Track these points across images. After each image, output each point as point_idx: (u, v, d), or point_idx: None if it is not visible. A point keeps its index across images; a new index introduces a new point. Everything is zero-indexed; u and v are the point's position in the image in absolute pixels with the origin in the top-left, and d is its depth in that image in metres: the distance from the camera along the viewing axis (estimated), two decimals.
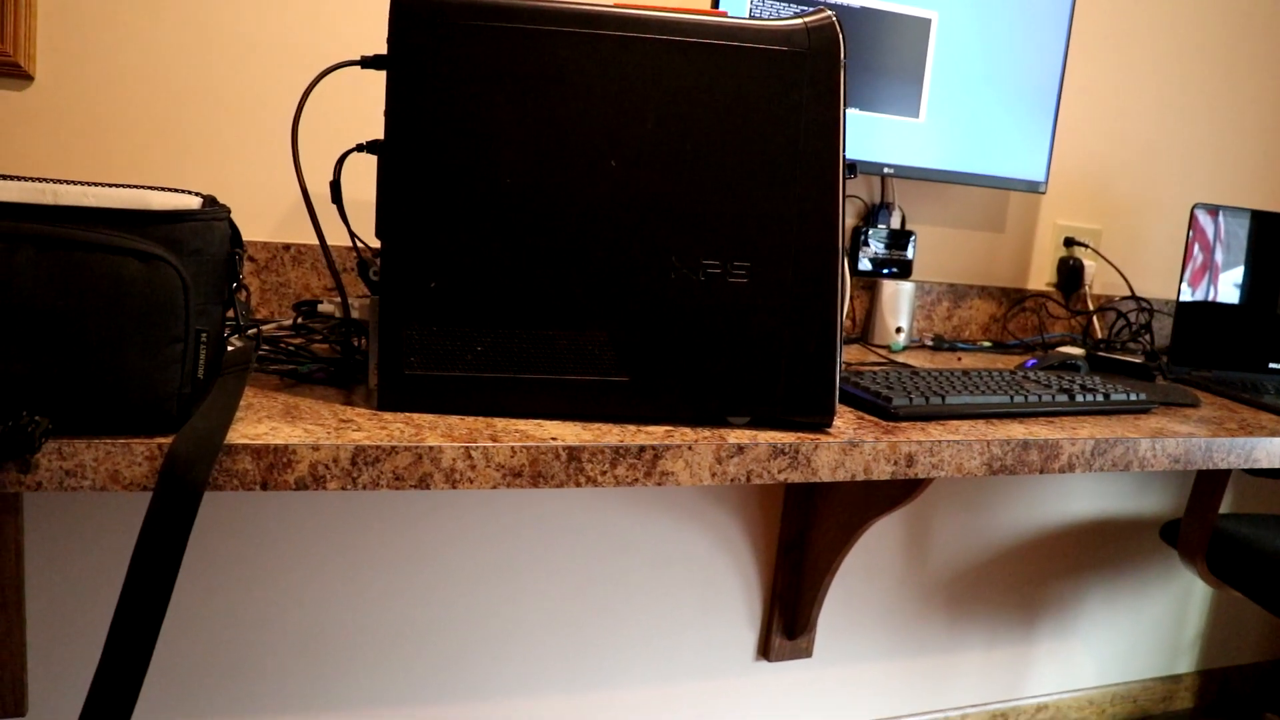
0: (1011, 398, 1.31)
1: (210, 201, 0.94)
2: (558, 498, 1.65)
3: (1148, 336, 2.02)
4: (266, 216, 1.47)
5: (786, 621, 1.85)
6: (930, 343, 1.89)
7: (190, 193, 0.93)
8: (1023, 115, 1.78)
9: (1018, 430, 1.24)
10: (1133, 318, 2.08)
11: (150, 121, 1.40)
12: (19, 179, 0.87)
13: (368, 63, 1.05)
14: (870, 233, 1.82)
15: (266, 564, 1.51)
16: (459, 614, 1.64)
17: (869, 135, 1.67)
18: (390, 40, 0.98)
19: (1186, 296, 1.85)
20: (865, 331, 1.85)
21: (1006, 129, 1.77)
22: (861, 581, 1.94)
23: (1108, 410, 1.39)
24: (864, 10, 1.63)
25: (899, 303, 1.79)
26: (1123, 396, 1.40)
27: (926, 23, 1.68)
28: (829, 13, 1.05)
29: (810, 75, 1.03)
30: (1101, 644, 2.25)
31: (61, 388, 0.84)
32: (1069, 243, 2.04)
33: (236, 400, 0.93)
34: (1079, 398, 1.36)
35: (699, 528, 1.76)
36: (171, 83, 1.40)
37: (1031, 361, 1.65)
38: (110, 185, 0.89)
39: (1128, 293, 2.14)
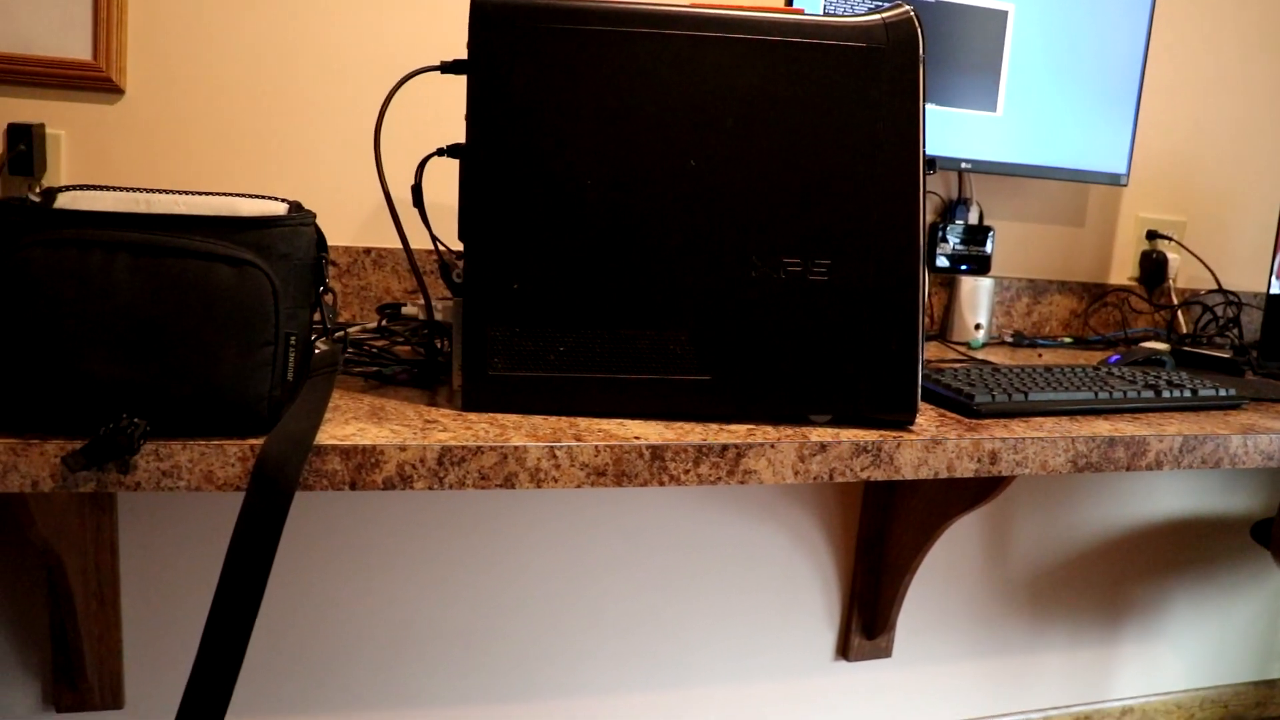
0: (1096, 394, 1.29)
1: (296, 207, 0.96)
2: (634, 498, 1.66)
3: (1236, 331, 1.97)
4: (348, 222, 1.50)
5: (866, 621, 1.84)
6: (1010, 339, 1.87)
7: (277, 199, 0.95)
8: (1103, 106, 1.75)
9: (1103, 427, 1.22)
10: (1220, 311, 2.03)
11: (235, 131, 1.44)
12: (114, 189, 0.90)
13: (447, 68, 1.06)
14: (948, 228, 1.80)
15: (348, 564, 1.54)
16: (538, 613, 1.66)
17: (945, 130, 1.66)
18: (470, 45, 0.99)
19: (1278, 289, 1.80)
20: (943, 329, 1.83)
21: (1086, 120, 1.74)
22: (941, 581, 1.92)
23: (1196, 406, 1.36)
24: (940, 4, 1.61)
25: (978, 299, 1.77)
26: (1211, 392, 1.37)
27: (1003, 15, 1.66)
28: (907, 8, 1.04)
29: (889, 71, 1.03)
30: (1189, 646, 2.20)
31: (157, 391, 0.86)
32: (1152, 235, 2.00)
33: (325, 402, 0.95)
34: (1165, 393, 1.33)
35: (776, 526, 1.76)
36: (255, 93, 1.43)
37: (1115, 357, 1.62)
38: (200, 194, 0.92)
39: (1214, 286, 2.09)
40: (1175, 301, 2.02)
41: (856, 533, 1.81)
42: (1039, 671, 2.06)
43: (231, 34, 1.42)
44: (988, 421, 1.19)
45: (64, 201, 0.88)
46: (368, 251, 1.50)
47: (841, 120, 1.03)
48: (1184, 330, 2.02)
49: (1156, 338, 1.97)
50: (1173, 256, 1.98)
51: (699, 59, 1.01)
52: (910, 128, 1.04)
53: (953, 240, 1.81)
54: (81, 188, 0.90)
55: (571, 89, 1.00)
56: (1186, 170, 2.02)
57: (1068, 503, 1.99)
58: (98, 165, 1.39)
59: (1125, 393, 1.31)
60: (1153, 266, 1.98)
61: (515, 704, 1.68)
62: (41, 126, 1.34)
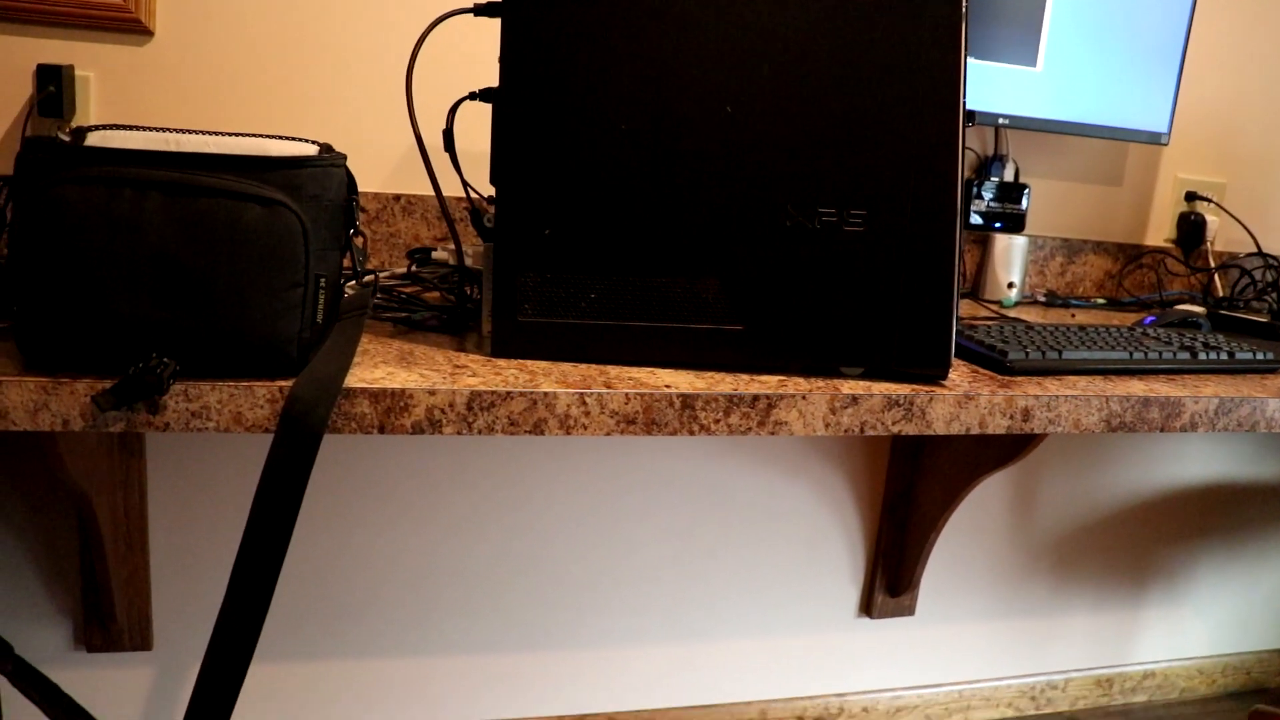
0: (1131, 354, 1.27)
1: (326, 148, 0.95)
2: (659, 448, 1.66)
3: (1274, 295, 1.94)
4: (377, 168, 1.49)
5: (890, 579, 1.84)
6: (1043, 299, 1.84)
7: (307, 141, 0.94)
8: (1146, 64, 1.71)
9: (1137, 387, 1.20)
10: (1258, 275, 2.00)
11: (264, 75, 1.43)
12: (144, 129, 0.89)
13: (480, 10, 1.05)
14: (982, 185, 1.77)
15: (370, 509, 1.55)
16: (560, 561, 1.66)
17: (984, 84, 1.63)
18: None
19: None
20: (975, 286, 1.81)
21: (1128, 78, 1.70)
22: (966, 540, 1.91)
23: (1232, 369, 1.34)
24: None
25: (1011, 257, 1.75)
26: (1249, 355, 1.34)
27: None
28: None
29: (931, 21, 1.00)
30: (1214, 612, 2.19)
31: (186, 330, 0.86)
32: (1190, 197, 1.97)
33: (355, 345, 0.95)
34: (1202, 355, 1.31)
35: (803, 481, 1.76)
36: (285, 36, 1.42)
37: (1150, 319, 1.60)
38: (229, 134, 0.91)
39: (1254, 249, 2.05)
40: (1212, 264, 1.99)
41: (883, 490, 1.80)
42: (1062, 633, 2.06)
43: None
44: (1020, 379, 1.18)
45: (94, 140, 0.87)
46: (397, 198, 1.49)
47: (881, 70, 1.01)
48: (1221, 293, 1.98)
49: (1192, 300, 1.94)
50: (1211, 218, 1.94)
51: (738, 4, 0.99)
52: (951, 79, 1.02)
53: (987, 197, 1.78)
54: (111, 127, 0.89)
55: (607, 32, 0.98)
56: (1228, 131, 1.98)
57: (1096, 464, 1.97)
58: (126, 107, 1.38)
59: (1161, 353, 1.29)
60: (1190, 228, 1.95)
61: (536, 651, 1.69)
62: (71, 68, 1.33)
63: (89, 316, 0.84)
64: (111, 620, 1.42)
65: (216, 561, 1.50)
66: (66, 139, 0.87)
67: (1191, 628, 2.18)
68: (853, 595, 1.86)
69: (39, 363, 0.87)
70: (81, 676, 1.49)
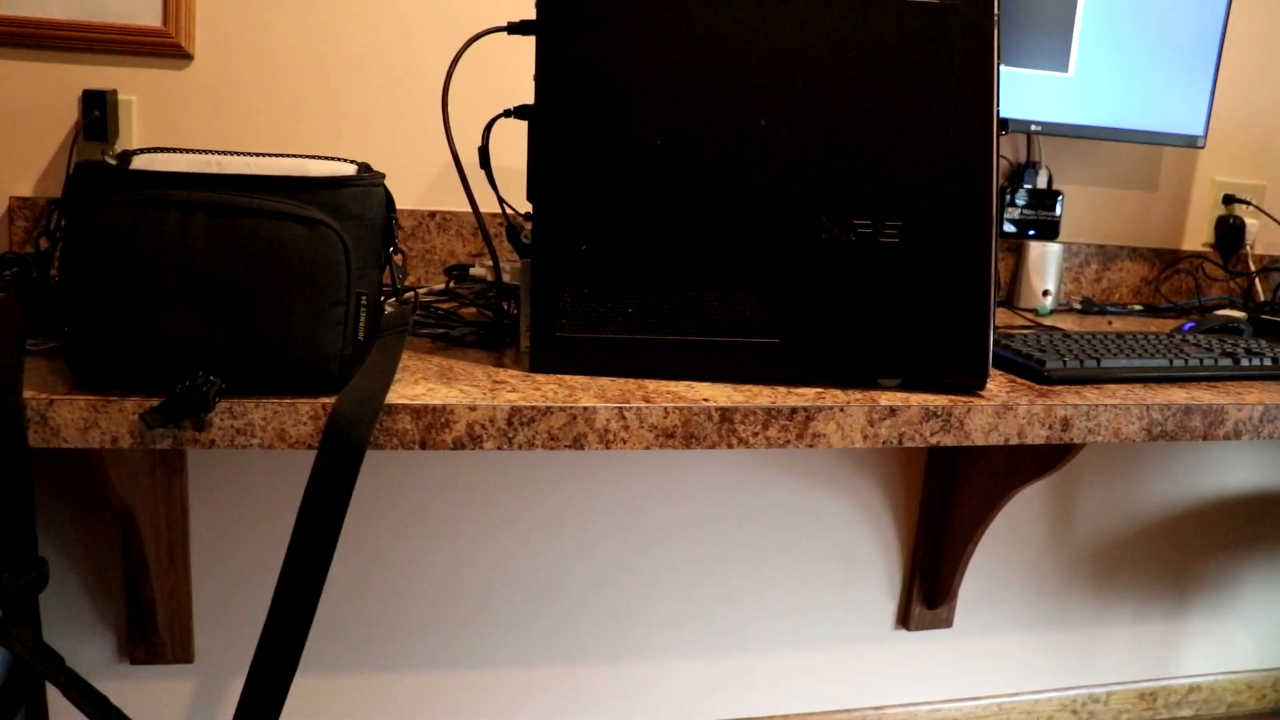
0: (1170, 361, 1.26)
1: (365, 168, 0.96)
2: (692, 462, 1.66)
3: None
4: (412, 185, 1.51)
5: (927, 590, 1.83)
6: (1078, 306, 1.83)
7: (345, 160, 0.95)
8: (1180, 66, 1.70)
9: (1178, 395, 1.19)
10: None
11: (300, 95, 1.45)
12: (187, 151, 0.91)
13: (514, 28, 1.06)
14: (1015, 192, 1.77)
15: (406, 524, 1.56)
16: (595, 576, 1.67)
17: (1015, 91, 1.62)
18: (539, 4, 0.98)
19: None
20: (1010, 295, 1.80)
21: (1162, 81, 1.69)
22: (1004, 551, 1.90)
23: (1276, 375, 1.33)
24: None
25: (1046, 265, 1.74)
26: None
27: None
28: None
29: (963, 29, 1.01)
30: (1262, 625, 2.16)
31: (231, 349, 0.87)
32: (1229, 200, 1.95)
33: (396, 361, 0.96)
34: (1244, 361, 1.30)
35: (838, 493, 1.75)
36: (321, 58, 1.44)
37: (1189, 325, 1.59)
38: (269, 155, 0.92)
39: None
40: (1252, 268, 1.97)
41: (919, 501, 1.79)
42: (1103, 646, 2.03)
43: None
44: (1059, 388, 1.17)
45: (140, 164, 0.89)
46: (432, 215, 1.50)
47: (914, 79, 1.01)
48: (1261, 298, 1.96)
49: (1232, 305, 1.92)
50: (1250, 222, 1.92)
51: (770, 16, 0.99)
52: (984, 87, 1.02)
53: (1020, 204, 1.77)
54: (156, 150, 0.91)
55: (641, 47, 0.99)
56: (1267, 132, 1.96)
57: (1135, 474, 1.95)
58: (168, 129, 1.41)
59: (1202, 360, 1.28)
60: (1229, 232, 1.93)
61: (571, 666, 1.70)
62: (114, 93, 1.36)
63: (137, 336, 0.86)
64: (154, 633, 1.44)
65: (255, 576, 1.52)
66: (113, 162, 0.89)
67: (1238, 640, 2.15)
68: (889, 607, 1.85)
69: (89, 381, 0.89)
70: (124, 689, 1.51)
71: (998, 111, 1.03)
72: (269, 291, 0.87)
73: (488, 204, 1.52)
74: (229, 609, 1.52)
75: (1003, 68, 1.61)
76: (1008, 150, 1.80)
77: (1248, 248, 1.94)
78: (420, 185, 1.51)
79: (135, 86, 1.39)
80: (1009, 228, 1.78)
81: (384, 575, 1.57)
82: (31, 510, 0.87)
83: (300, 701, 1.58)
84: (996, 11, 1.01)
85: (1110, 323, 1.70)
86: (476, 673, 1.65)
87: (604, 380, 1.03)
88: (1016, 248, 1.79)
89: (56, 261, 1.20)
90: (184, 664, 1.52)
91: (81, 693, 0.92)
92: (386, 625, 1.59)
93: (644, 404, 0.96)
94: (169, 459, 1.42)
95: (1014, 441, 1.09)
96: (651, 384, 1.03)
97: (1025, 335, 1.33)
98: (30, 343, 1.01)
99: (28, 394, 0.85)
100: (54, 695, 1.44)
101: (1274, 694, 2.20)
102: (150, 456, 1.34)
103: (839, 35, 1.00)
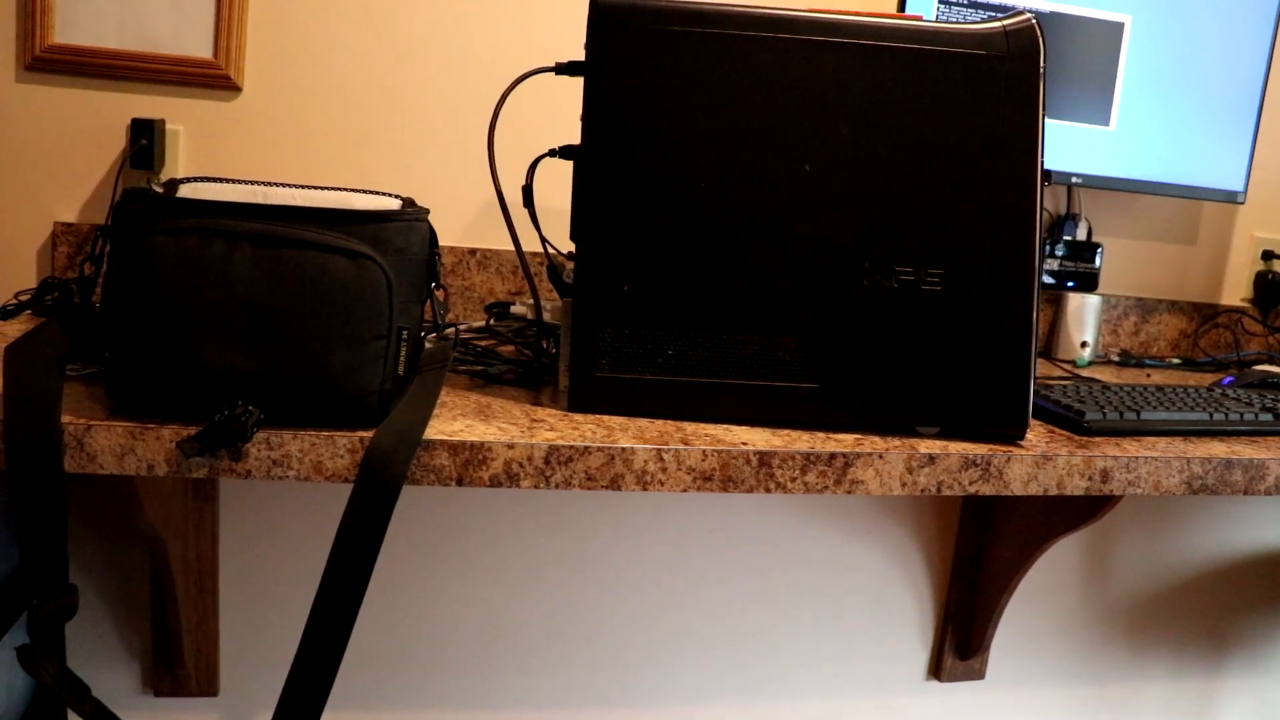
0: (1211, 415, 1.24)
1: (410, 203, 0.97)
2: (727, 506, 1.65)
3: None
4: (454, 222, 1.52)
5: (959, 641, 1.80)
6: (1116, 358, 1.81)
7: (390, 195, 0.96)
8: (1221, 121, 1.69)
9: (1219, 449, 1.17)
10: None
11: (345, 130, 1.46)
12: (233, 181, 0.92)
13: (562, 69, 1.07)
14: (1055, 244, 1.76)
15: (436, 562, 1.55)
16: (627, 619, 1.65)
17: (1057, 143, 1.62)
18: (588, 46, 0.99)
19: None
20: (1048, 346, 1.79)
21: (1203, 136, 1.69)
22: (1038, 603, 1.87)
23: None
24: (1053, 15, 1.58)
25: (1084, 316, 1.73)
26: None
27: (1119, 27, 1.61)
28: (1029, 15, 1.02)
29: (1008, 80, 1.00)
30: None
31: (271, 380, 0.87)
32: (1268, 255, 1.93)
33: (435, 397, 0.96)
34: None
35: (872, 542, 1.73)
36: (367, 93, 1.46)
37: (1228, 379, 1.57)
38: (314, 187, 0.93)
39: None
40: None
41: (953, 551, 1.77)
42: (1138, 702, 2.00)
43: (345, 34, 1.44)
44: (1098, 439, 1.16)
45: (185, 192, 0.90)
46: (473, 252, 1.51)
47: (958, 128, 1.01)
48: None
49: (1271, 360, 1.90)
50: None
51: (816, 64, 0.99)
52: (1029, 138, 1.01)
53: (1060, 256, 1.76)
54: (202, 180, 0.92)
55: (688, 92, 0.99)
56: None
57: (1172, 528, 1.92)
58: (213, 160, 1.42)
59: (1242, 414, 1.26)
60: (1268, 287, 1.91)
61: (602, 709, 1.68)
62: (162, 122, 1.37)
63: (178, 364, 0.86)
64: (180, 665, 1.43)
65: (284, 609, 1.51)
66: (160, 190, 0.89)
67: (1275, 699, 2.10)
68: (921, 657, 1.82)
69: (127, 408, 0.89)
70: None
71: (1042, 163, 1.02)
72: (311, 323, 0.87)
73: (529, 243, 1.52)
74: (257, 642, 1.51)
75: (1045, 120, 1.61)
76: (1048, 202, 1.79)
77: None
78: (461, 222, 1.52)
79: (183, 116, 1.40)
80: (1048, 279, 1.77)
81: (417, 611, 1.56)
82: (64, 536, 0.87)
83: None
84: (1043, 64, 1.01)
85: (1149, 375, 1.68)
86: (506, 712, 1.63)
87: (642, 421, 1.03)
88: (1055, 299, 1.77)
89: (99, 287, 1.21)
90: (209, 697, 1.51)
91: None
92: (417, 663, 1.58)
93: (682, 446, 0.95)
94: (201, 488, 1.42)
95: (1053, 492, 1.07)
96: (690, 426, 1.02)
97: (1064, 386, 1.31)
98: (70, 368, 1.01)
99: (66, 419, 0.86)
100: None
101: None
102: (183, 485, 1.34)
103: (885, 84, 1.00)
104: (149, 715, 1.50)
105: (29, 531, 0.84)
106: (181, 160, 1.41)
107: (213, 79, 1.39)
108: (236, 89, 1.41)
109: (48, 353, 0.91)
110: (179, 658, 1.42)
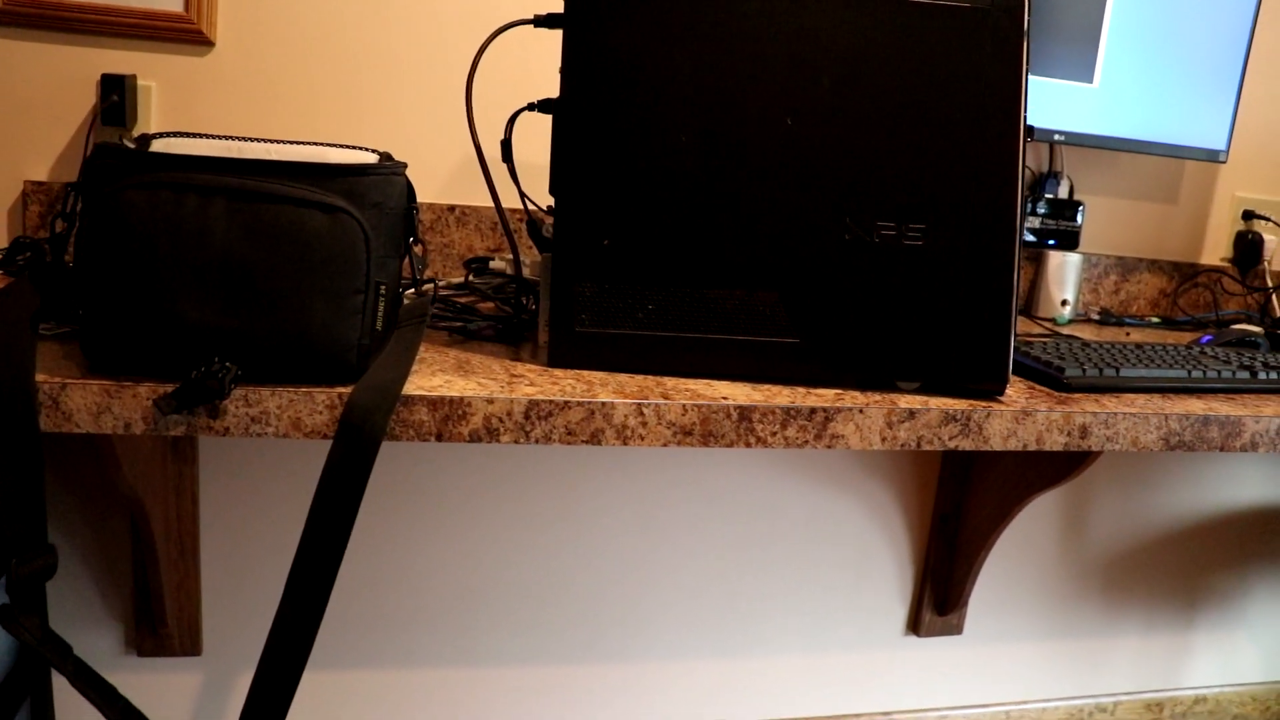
0: (1189, 372, 1.25)
1: (387, 157, 0.95)
2: (707, 461, 1.65)
3: None
4: (432, 178, 1.50)
5: (938, 597, 1.82)
6: (1096, 316, 1.82)
7: (366, 149, 0.95)
8: (1204, 80, 1.68)
9: (1196, 406, 1.18)
10: None
11: (321, 85, 1.44)
12: (207, 137, 0.90)
13: (541, 21, 1.05)
14: (1036, 202, 1.76)
15: (416, 518, 1.55)
16: (606, 575, 1.66)
17: (1039, 100, 1.61)
18: None
19: None
20: (1029, 304, 1.79)
21: (1186, 95, 1.68)
22: (1016, 559, 1.89)
23: None
24: None
25: (1065, 274, 1.73)
26: None
27: None
28: None
29: (993, 35, 1.00)
30: (1269, 638, 2.14)
31: (248, 336, 0.87)
32: (1248, 215, 1.94)
33: (414, 352, 0.95)
34: (1261, 375, 1.29)
35: (852, 498, 1.74)
36: (342, 48, 1.44)
37: (1207, 338, 1.58)
38: (289, 142, 0.92)
39: None
40: (1270, 284, 1.95)
41: (932, 507, 1.78)
42: (1111, 656, 2.02)
43: None
44: (1077, 395, 1.16)
45: (159, 147, 0.88)
46: (451, 209, 1.49)
47: (942, 83, 1.00)
48: (1279, 313, 1.95)
49: (1250, 320, 1.91)
50: (1269, 238, 1.91)
51: (798, 16, 0.98)
52: (1012, 94, 1.01)
53: (1041, 214, 1.76)
54: (175, 135, 0.90)
55: (668, 44, 0.98)
56: None
57: (1147, 484, 1.94)
58: (187, 116, 1.40)
59: (1220, 372, 1.27)
60: (1247, 247, 1.92)
61: (580, 665, 1.69)
62: (133, 78, 1.35)
63: (153, 321, 0.85)
64: (162, 625, 1.43)
65: (265, 568, 1.51)
66: (132, 146, 0.88)
67: (1245, 653, 2.14)
68: (900, 613, 1.84)
69: (102, 366, 0.88)
70: (131, 681, 1.50)
71: (1025, 117, 1.02)
72: (288, 278, 0.86)
73: (508, 198, 1.51)
74: (238, 601, 1.51)
75: (1029, 75, 1.60)
76: (1030, 159, 1.79)
77: (1266, 263, 1.93)
78: (439, 179, 1.50)
79: (155, 72, 1.38)
80: (1029, 237, 1.77)
81: (396, 569, 1.56)
82: (42, 495, 0.86)
83: (309, 695, 1.57)
84: (1027, 17, 1.00)
85: (1128, 334, 1.69)
86: (487, 669, 1.64)
87: (622, 376, 1.02)
88: (1036, 257, 1.78)
89: (71, 245, 1.19)
90: (192, 656, 1.51)
91: (89, 682, 0.91)
92: (397, 619, 1.58)
93: (662, 401, 0.95)
94: (180, 447, 1.41)
95: (1032, 447, 1.08)
96: (670, 381, 1.02)
97: (1044, 343, 1.32)
98: (44, 327, 1.00)
99: (40, 378, 0.85)
100: (59, 686, 1.43)
101: (1278, 706, 2.18)
102: (161, 445, 1.33)
103: (867, 36, 0.99)
104: (132, 675, 1.50)
105: (4, 491, 0.84)
106: (154, 117, 1.39)
107: (185, 33, 1.36)
108: (209, 44, 1.39)
109: (20, 311, 0.90)
110: (161, 618, 1.42)
